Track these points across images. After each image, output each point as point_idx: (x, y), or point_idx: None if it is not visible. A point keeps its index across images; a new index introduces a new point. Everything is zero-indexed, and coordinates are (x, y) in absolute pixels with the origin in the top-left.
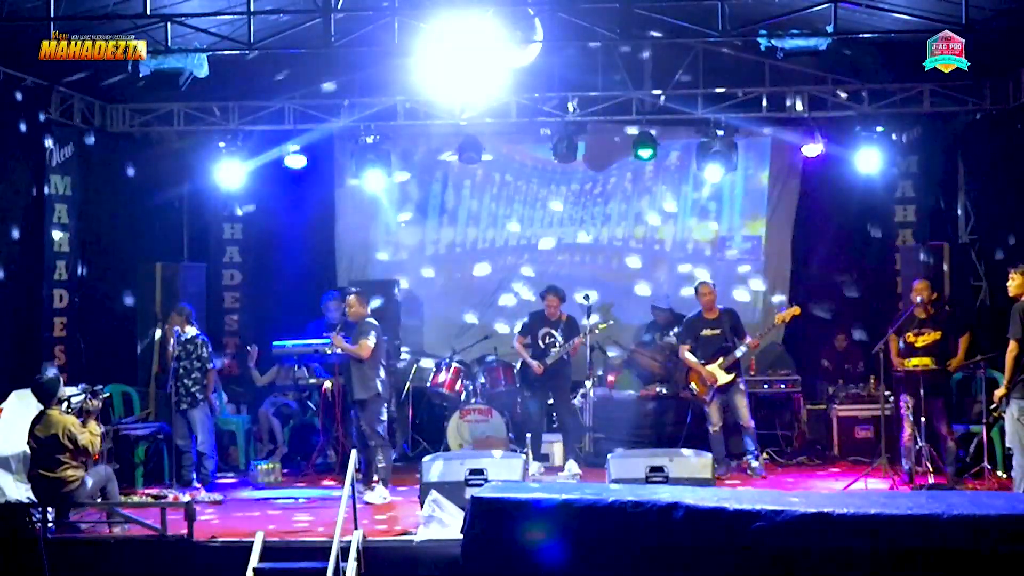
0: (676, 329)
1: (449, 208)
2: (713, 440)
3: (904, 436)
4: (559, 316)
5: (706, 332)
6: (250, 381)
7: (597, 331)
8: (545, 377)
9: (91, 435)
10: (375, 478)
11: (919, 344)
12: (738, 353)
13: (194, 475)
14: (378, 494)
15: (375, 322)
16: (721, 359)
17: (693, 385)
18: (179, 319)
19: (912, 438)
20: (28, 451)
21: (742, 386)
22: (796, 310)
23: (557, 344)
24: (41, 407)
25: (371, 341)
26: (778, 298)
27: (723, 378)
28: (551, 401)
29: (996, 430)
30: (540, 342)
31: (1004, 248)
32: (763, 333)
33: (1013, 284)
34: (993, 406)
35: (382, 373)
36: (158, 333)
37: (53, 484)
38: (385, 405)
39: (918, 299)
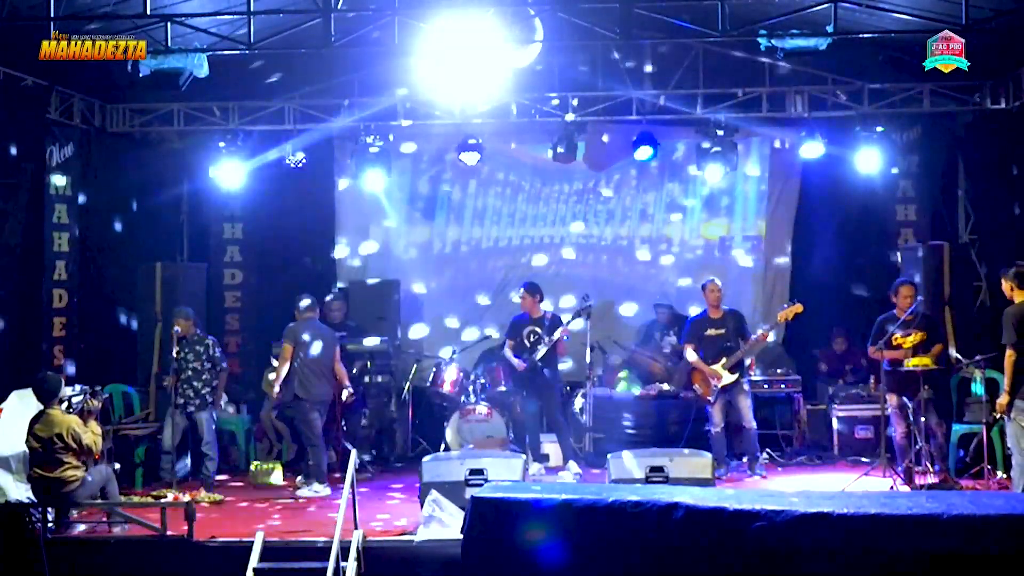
0: (676, 329)
1: (449, 208)
2: (714, 440)
3: (897, 435)
4: (541, 314)
5: (710, 332)
6: (251, 382)
7: (570, 324)
8: (532, 376)
9: (93, 435)
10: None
11: (907, 345)
12: (741, 353)
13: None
14: (309, 489)
15: (292, 325)
16: (724, 359)
17: (697, 385)
18: (186, 323)
19: (904, 436)
20: (27, 451)
21: (746, 386)
22: (799, 308)
23: (543, 341)
24: (41, 407)
25: (285, 347)
26: (778, 298)
27: (727, 378)
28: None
29: (996, 430)
30: (526, 340)
31: (1004, 248)
32: (772, 326)
33: (1005, 288)
34: (996, 414)
35: (301, 375)
36: (158, 333)
37: (53, 484)
38: (311, 405)
39: (911, 303)
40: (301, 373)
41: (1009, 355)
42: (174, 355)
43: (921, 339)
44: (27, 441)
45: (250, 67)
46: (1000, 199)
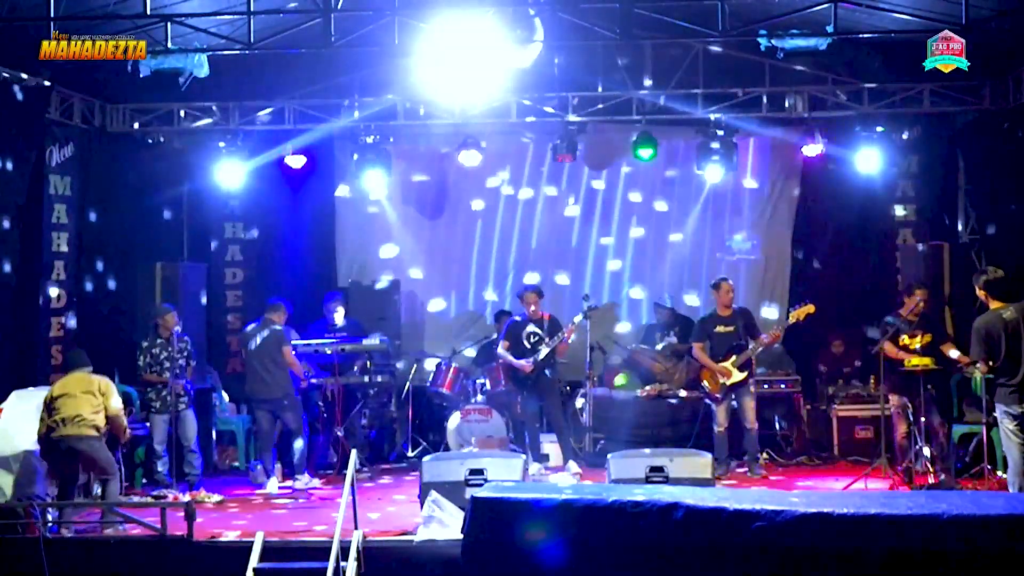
0: (677, 329)
1: (449, 208)
2: (717, 440)
3: (898, 435)
4: (541, 315)
5: (720, 329)
6: None
7: (575, 324)
8: (532, 377)
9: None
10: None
11: (914, 346)
12: (750, 352)
13: (168, 475)
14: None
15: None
16: (734, 357)
17: (705, 383)
18: (174, 319)
19: (905, 436)
20: (38, 430)
21: (752, 387)
22: (810, 308)
23: (543, 342)
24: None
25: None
26: (778, 298)
27: (736, 376)
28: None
29: (996, 430)
30: (526, 342)
31: (1004, 248)
32: (784, 327)
33: (980, 295)
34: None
35: (247, 376)
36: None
37: (71, 440)
38: (255, 404)
39: (919, 306)
40: (247, 373)
41: (982, 370)
42: (177, 353)
43: (929, 340)
44: (53, 395)
45: (250, 67)
46: (1000, 199)
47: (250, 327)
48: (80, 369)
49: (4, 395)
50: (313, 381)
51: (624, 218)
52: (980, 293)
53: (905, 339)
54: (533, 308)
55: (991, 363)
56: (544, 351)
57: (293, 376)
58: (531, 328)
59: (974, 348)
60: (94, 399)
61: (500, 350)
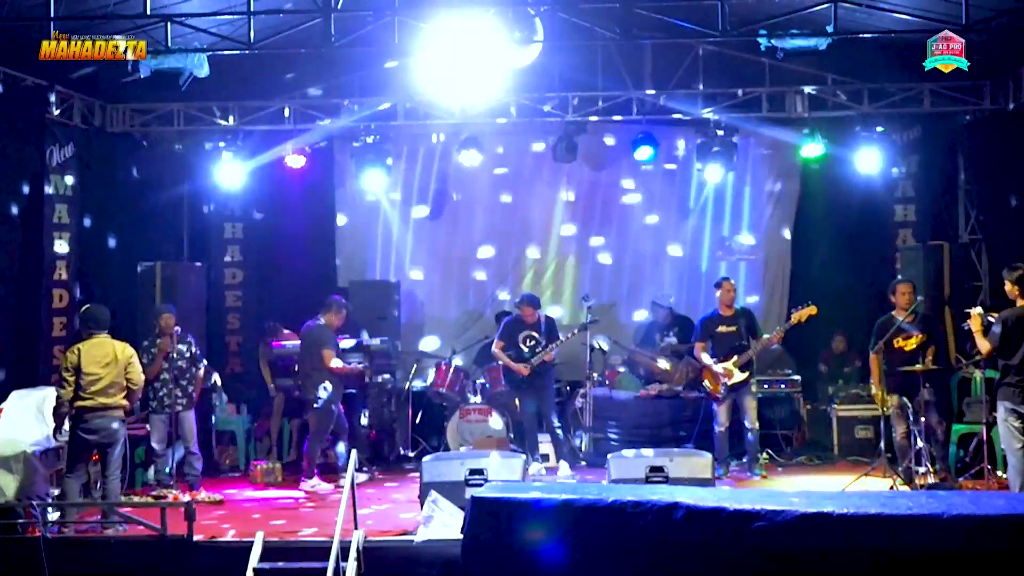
0: (676, 329)
1: (449, 208)
2: (718, 440)
3: (897, 435)
4: (536, 318)
5: (722, 329)
6: (252, 381)
7: (574, 335)
8: (530, 378)
9: (139, 375)
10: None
11: (908, 348)
12: (752, 352)
13: (168, 475)
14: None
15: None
16: (736, 357)
17: (706, 382)
18: (172, 319)
19: (904, 436)
20: (62, 394)
21: (753, 387)
22: (813, 309)
23: (540, 345)
24: (94, 335)
25: None
26: (778, 298)
27: (737, 376)
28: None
29: (996, 430)
30: (522, 345)
31: (1004, 248)
32: (783, 328)
33: (1008, 289)
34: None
35: None
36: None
37: (106, 409)
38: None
39: (909, 301)
40: None
41: (984, 348)
42: (183, 355)
43: (923, 341)
44: (78, 368)
45: (250, 67)
46: (1000, 199)
47: (307, 325)
48: (103, 332)
49: (4, 395)
50: None
51: (624, 218)
52: (1012, 288)
53: (899, 341)
54: (531, 314)
55: (999, 356)
56: (540, 355)
57: (346, 378)
58: (527, 331)
59: (992, 333)
60: (119, 375)
61: (495, 349)
